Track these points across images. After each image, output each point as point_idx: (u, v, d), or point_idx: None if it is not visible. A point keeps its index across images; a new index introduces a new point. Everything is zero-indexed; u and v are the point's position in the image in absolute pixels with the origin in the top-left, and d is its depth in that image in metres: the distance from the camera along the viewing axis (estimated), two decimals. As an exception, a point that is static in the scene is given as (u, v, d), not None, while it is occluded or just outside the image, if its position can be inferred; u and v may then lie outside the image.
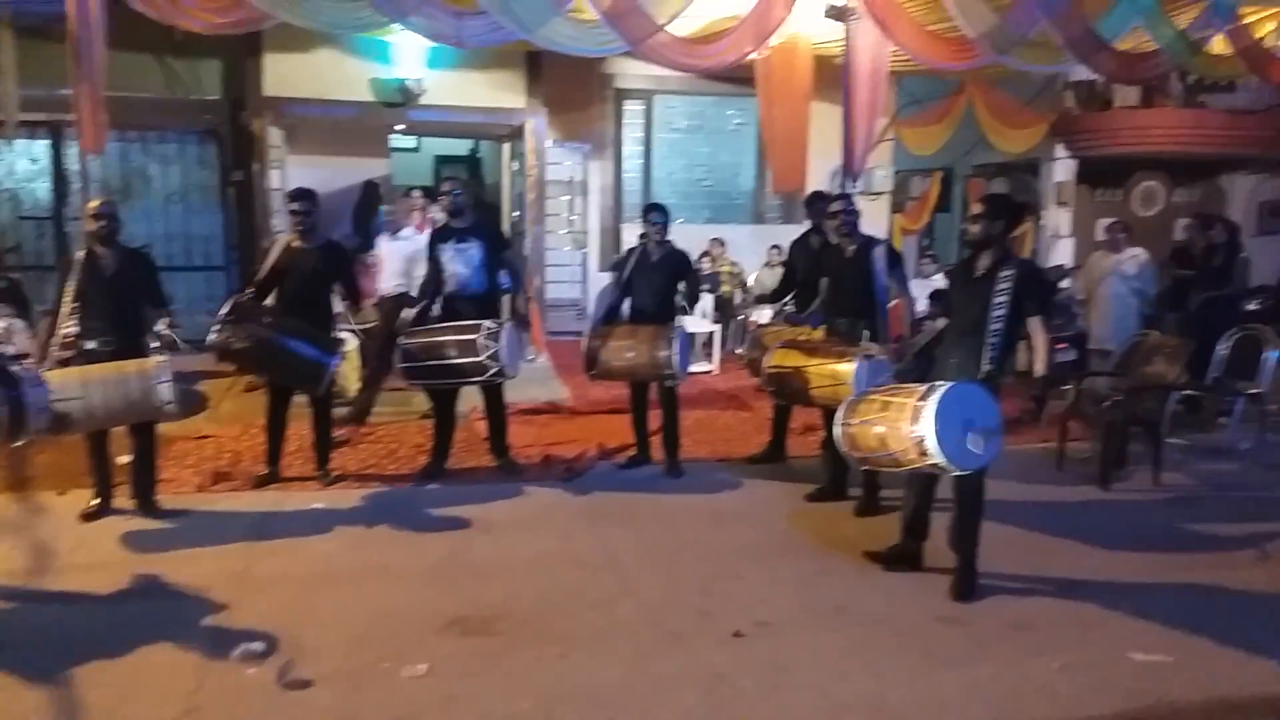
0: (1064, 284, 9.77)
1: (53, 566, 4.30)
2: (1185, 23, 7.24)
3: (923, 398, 3.73)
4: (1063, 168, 11.83)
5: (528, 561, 4.45)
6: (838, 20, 7.42)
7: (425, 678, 3.35)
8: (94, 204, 4.91)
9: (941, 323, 4.46)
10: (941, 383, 3.81)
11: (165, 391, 4.58)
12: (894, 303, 5.39)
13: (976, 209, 4.14)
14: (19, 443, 3.98)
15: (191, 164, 9.55)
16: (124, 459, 5.03)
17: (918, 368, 4.96)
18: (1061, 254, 11.61)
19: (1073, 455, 6.15)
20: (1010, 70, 8.75)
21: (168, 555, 4.44)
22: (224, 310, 5.02)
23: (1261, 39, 7.51)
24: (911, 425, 3.70)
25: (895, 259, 5.33)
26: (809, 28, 7.63)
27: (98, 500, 4.93)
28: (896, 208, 11.40)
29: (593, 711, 3.16)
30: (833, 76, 7.97)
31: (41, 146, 9.15)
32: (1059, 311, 8.40)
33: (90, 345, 4.75)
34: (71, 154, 9.05)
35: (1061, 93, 11.59)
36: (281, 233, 5.39)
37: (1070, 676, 3.42)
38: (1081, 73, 10.68)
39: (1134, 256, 8.27)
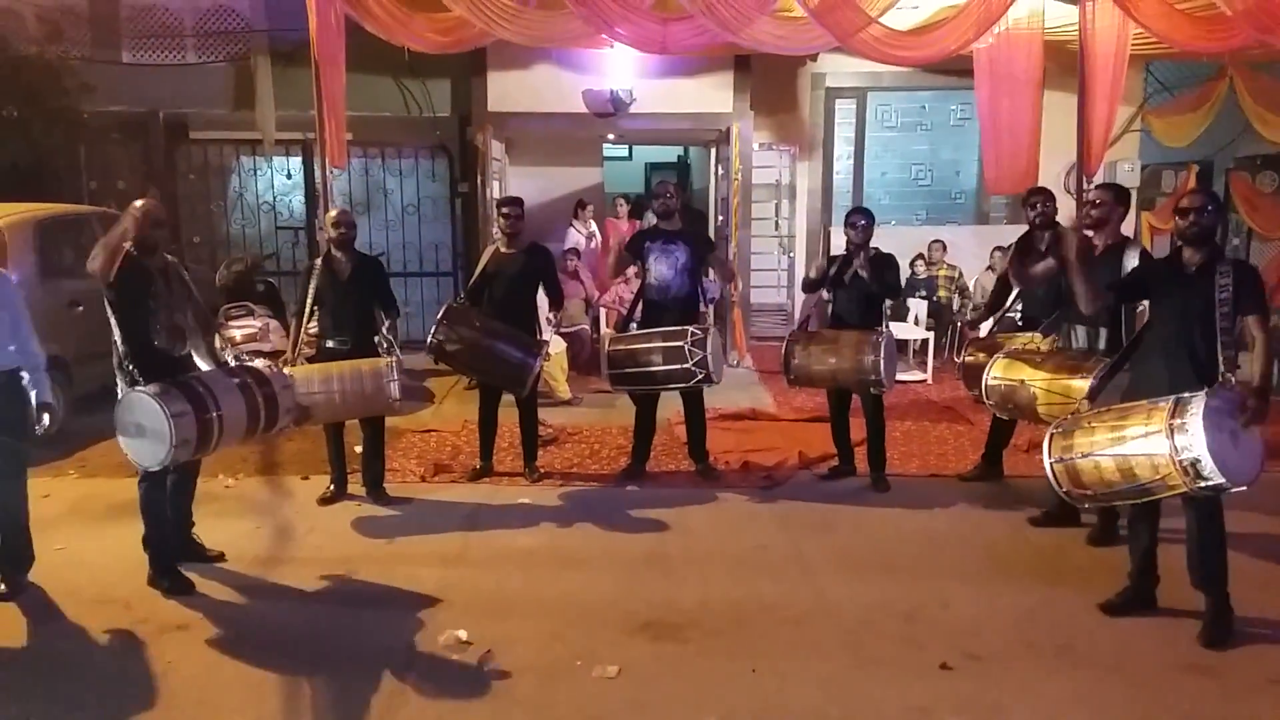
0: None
1: (292, 545, 4.73)
2: None
3: (1176, 414, 3.35)
4: (1349, 157, 10.24)
5: (722, 569, 4.38)
6: (1071, 2, 6.81)
7: (615, 680, 3.36)
8: (333, 213, 5.31)
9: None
10: (1191, 394, 3.40)
11: (394, 389, 4.95)
12: None
13: (1193, 201, 3.69)
14: (271, 433, 4.37)
15: (425, 177, 10.30)
16: (357, 448, 5.46)
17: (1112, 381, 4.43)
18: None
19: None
20: (1281, 51, 7.66)
21: (393, 541, 4.76)
22: (440, 315, 5.34)
23: None
24: (1173, 445, 3.32)
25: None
26: (1039, 11, 7.05)
27: (334, 486, 5.37)
28: (1146, 205, 10.30)
29: (783, 733, 3.04)
30: (1067, 64, 7.35)
31: (296, 163, 10.20)
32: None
33: (329, 344, 5.18)
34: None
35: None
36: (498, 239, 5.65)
37: (1353, 751, 2.91)
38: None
39: None
